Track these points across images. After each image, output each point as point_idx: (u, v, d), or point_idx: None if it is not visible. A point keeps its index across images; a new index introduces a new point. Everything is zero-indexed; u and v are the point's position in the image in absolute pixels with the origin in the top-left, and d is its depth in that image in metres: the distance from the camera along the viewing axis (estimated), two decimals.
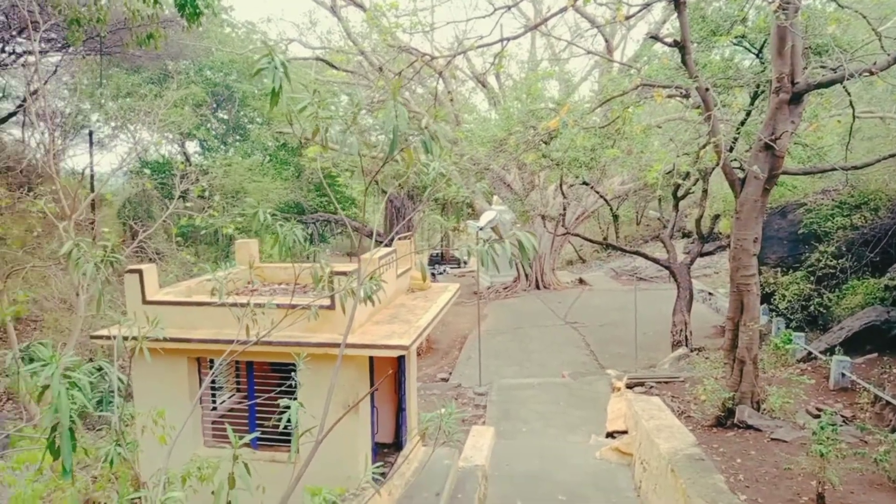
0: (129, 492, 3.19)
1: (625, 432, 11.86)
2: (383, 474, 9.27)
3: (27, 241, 15.97)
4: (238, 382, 9.69)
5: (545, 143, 15.64)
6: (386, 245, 31.94)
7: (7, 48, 18.37)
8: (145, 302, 8.05)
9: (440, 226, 36.71)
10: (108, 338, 7.76)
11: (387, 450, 9.85)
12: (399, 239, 10.57)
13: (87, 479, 6.58)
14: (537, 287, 27.22)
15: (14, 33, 17.41)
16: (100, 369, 3.97)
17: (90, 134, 22.34)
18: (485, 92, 27.14)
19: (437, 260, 36.10)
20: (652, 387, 13.12)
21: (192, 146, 29.90)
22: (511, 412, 13.55)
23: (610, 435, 12.22)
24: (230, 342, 5.11)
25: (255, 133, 27.98)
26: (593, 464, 10.90)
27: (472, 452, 10.78)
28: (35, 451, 5.95)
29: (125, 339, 7.06)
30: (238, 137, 30.43)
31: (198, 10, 9.37)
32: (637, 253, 19.60)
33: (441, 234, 39.40)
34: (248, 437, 3.84)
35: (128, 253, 13.73)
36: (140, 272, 7.97)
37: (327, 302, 7.95)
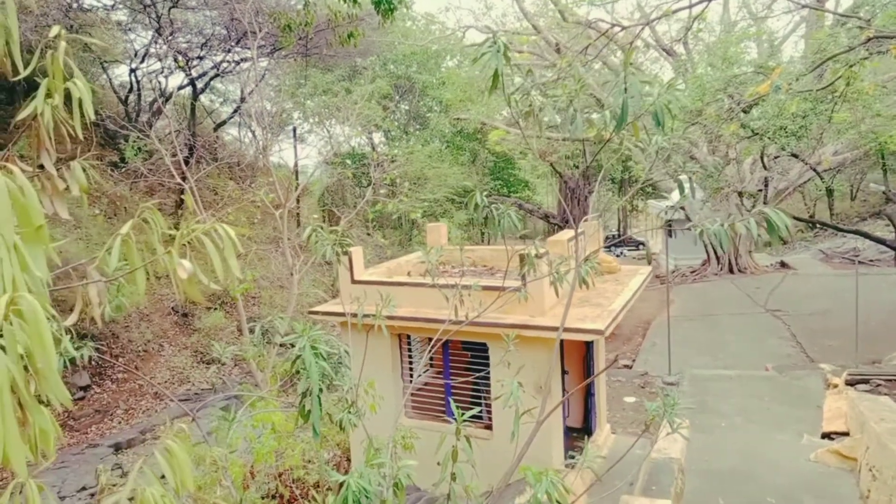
0: (372, 454, 3.44)
1: (845, 434, 10.52)
2: (573, 458, 9.18)
3: (249, 227, 18.24)
4: (431, 359, 10.16)
5: (744, 111, 14.24)
6: (559, 227, 31.42)
7: (228, 57, 20.92)
8: (354, 281, 8.73)
9: (617, 207, 35.32)
10: (325, 314, 8.54)
11: (575, 434, 9.74)
12: (585, 220, 10.29)
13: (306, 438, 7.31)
14: (730, 271, 25.06)
15: (233, 43, 19.76)
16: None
17: (294, 130, 24.75)
18: (671, 61, 25.40)
19: (616, 242, 34.85)
20: (879, 384, 11.47)
21: (376, 137, 31.87)
22: (706, 405, 12.66)
23: (827, 436, 10.91)
24: (441, 321, 5.31)
25: (434, 121, 29.03)
26: (807, 467, 9.81)
27: (665, 444, 10.25)
28: (269, 413, 6.74)
29: (339, 315, 7.64)
30: (418, 126, 31.81)
31: (392, 6, 9.83)
32: (856, 232, 17.16)
33: (618, 215, 37.89)
34: (469, 413, 3.94)
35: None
36: (349, 254, 8.64)
37: (519, 283, 7.99)
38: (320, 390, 3.67)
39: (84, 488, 11.64)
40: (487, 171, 30.96)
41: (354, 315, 5.57)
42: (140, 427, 14.22)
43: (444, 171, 27.07)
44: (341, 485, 3.61)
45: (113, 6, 18.90)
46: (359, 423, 4.52)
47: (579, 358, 9.92)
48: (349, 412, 4.39)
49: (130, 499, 1.63)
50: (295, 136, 24.82)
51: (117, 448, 13.33)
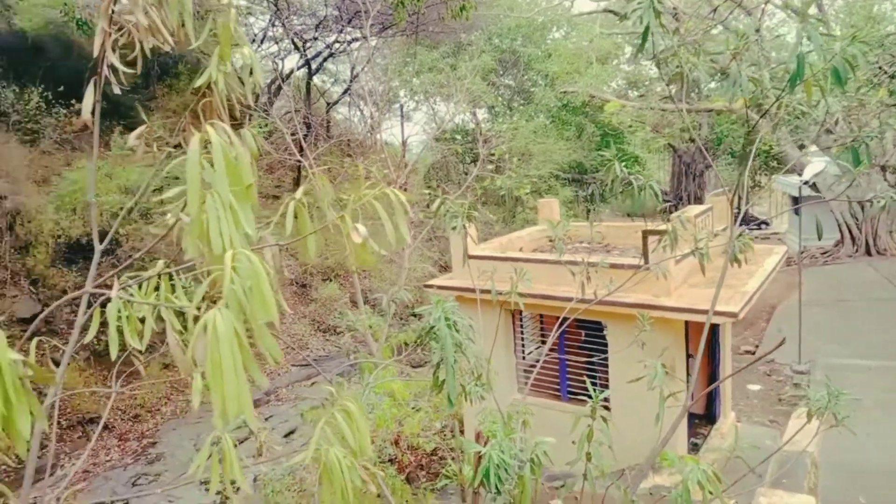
0: (506, 430, 3.41)
1: None
2: (696, 445, 8.77)
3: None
4: (542, 335, 10.03)
5: (892, 77, 12.75)
6: (673, 204, 29.90)
7: (339, 37, 21.48)
8: (469, 256, 8.74)
9: (737, 184, 33.05)
10: (440, 287, 8.63)
11: (697, 421, 9.29)
12: (713, 195, 9.68)
13: (428, 407, 7.46)
14: (867, 253, 22.80)
15: (345, 23, 20.24)
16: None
17: (401, 108, 25.11)
18: (802, 25, 23.16)
19: (736, 221, 32.63)
20: None
21: (480, 113, 31.68)
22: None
23: None
24: (568, 299, 5.18)
25: (540, 95, 28.40)
26: None
27: (797, 436, 9.57)
28: (389, 381, 6.92)
29: (455, 289, 7.64)
30: (522, 101, 31.25)
31: None
32: None
33: (737, 191, 35.44)
34: (603, 395, 3.81)
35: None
36: (464, 229, 8.65)
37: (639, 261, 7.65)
38: (454, 361, 3.67)
39: (217, 443, 12.63)
40: (594, 145, 29.94)
41: (481, 291, 5.54)
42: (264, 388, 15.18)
43: (549, 147, 26.48)
44: (479, 456, 3.60)
45: None
46: (487, 395, 4.50)
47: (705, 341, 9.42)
48: (476, 384, 4.38)
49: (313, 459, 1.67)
50: (402, 113, 25.21)
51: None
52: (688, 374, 8.25)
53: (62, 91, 15.88)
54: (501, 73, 29.56)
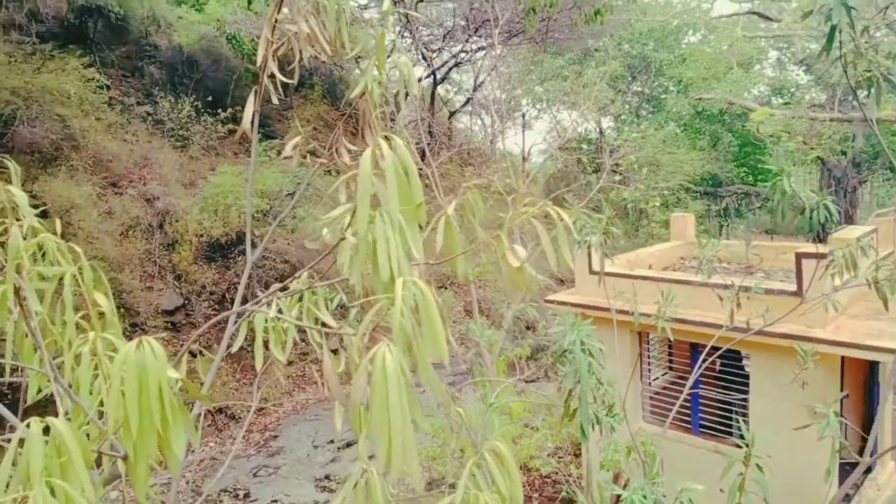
0: (653, 474, 3.10)
1: None
2: (847, 497, 7.79)
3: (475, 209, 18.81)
4: (671, 360, 9.39)
5: None
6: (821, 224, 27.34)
7: (465, 47, 21.70)
8: (591, 272, 8.35)
9: None
10: (561, 303, 8.31)
11: (849, 468, 8.24)
12: (877, 216, 8.60)
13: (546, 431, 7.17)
14: None
15: (471, 32, 20.39)
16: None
17: (522, 116, 24.91)
18: None
19: None
20: None
21: (605, 121, 30.72)
22: None
23: None
24: (717, 326, 4.72)
25: (671, 102, 27.03)
26: None
27: None
28: (510, 400, 6.72)
29: (580, 306, 7.28)
30: (651, 109, 29.93)
31: None
32: None
33: None
34: (748, 438, 3.39)
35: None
36: (588, 243, 8.27)
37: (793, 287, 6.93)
38: (594, 398, 3.41)
39: (332, 441, 13.09)
40: (731, 156, 28.00)
41: (608, 309, 5.22)
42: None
43: (680, 157, 25.07)
44: (618, 498, 3.30)
45: (366, 6, 20.72)
46: (618, 426, 4.18)
47: (859, 379, 8.37)
48: (609, 414, 4.07)
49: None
50: (524, 122, 24.99)
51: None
52: (842, 416, 7.33)
53: (210, 101, 17.27)
54: (630, 79, 28.49)
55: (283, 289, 2.11)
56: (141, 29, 17.61)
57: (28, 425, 1.20)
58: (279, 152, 17.45)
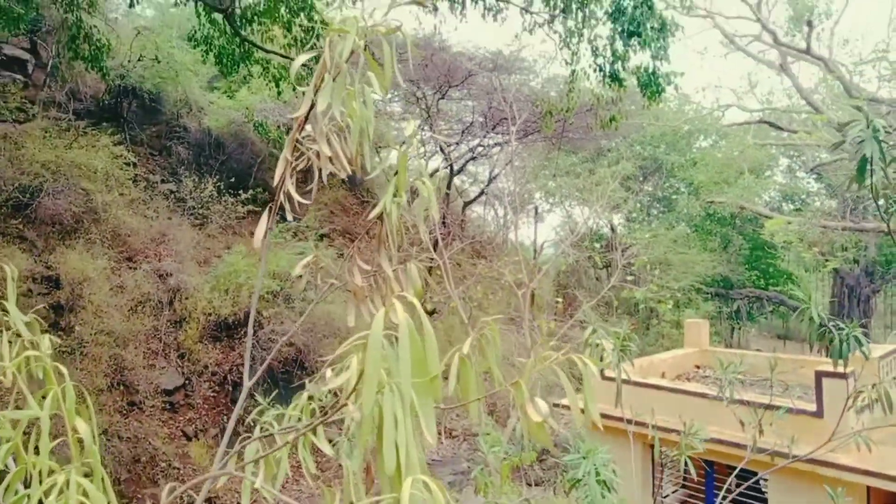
0: None
1: None
2: None
3: (484, 302, 18.74)
4: (685, 476, 8.93)
5: None
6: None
7: (483, 142, 22.37)
8: (604, 377, 8.11)
9: None
10: (567, 406, 8.02)
11: None
12: None
13: None
14: None
15: (489, 129, 21.08)
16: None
17: (535, 209, 25.27)
18: None
19: None
20: None
21: (616, 219, 31.09)
22: None
23: None
24: (737, 445, 4.47)
25: (683, 203, 27.42)
26: None
27: None
28: None
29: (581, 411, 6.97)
30: (662, 209, 30.34)
31: (660, 88, 9.41)
32: None
33: None
34: None
35: (571, 324, 14.68)
36: (601, 346, 8.09)
37: (813, 407, 6.67)
38: None
39: None
40: (742, 259, 28.02)
41: (630, 422, 5.00)
42: None
43: (691, 258, 25.13)
44: None
45: (390, 99, 21.58)
46: None
47: None
48: None
49: None
50: (536, 216, 25.34)
51: None
52: None
53: (232, 181, 17.70)
54: (642, 179, 29.08)
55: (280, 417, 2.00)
56: (173, 111, 18.37)
57: None
58: (294, 234, 17.70)
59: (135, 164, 15.91)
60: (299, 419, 2.18)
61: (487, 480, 9.07)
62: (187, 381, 14.01)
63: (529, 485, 13.23)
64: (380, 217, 2.01)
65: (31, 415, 1.59)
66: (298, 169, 2.17)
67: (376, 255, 2.33)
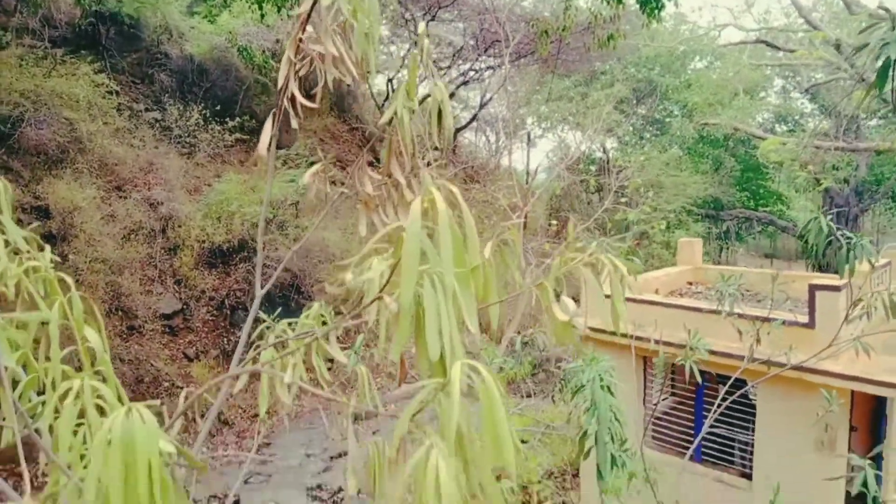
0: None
1: None
2: None
3: (479, 226, 18.77)
4: (673, 385, 9.29)
5: None
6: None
7: (474, 66, 21.77)
8: (607, 295, 8.28)
9: None
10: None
11: (855, 499, 8.12)
12: (889, 248, 8.55)
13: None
14: None
15: (481, 52, 20.47)
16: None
17: (528, 135, 24.94)
18: None
19: None
20: None
21: (609, 142, 30.81)
22: None
23: None
24: (732, 356, 4.63)
25: (676, 126, 27.13)
26: None
27: None
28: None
29: (592, 329, 7.16)
30: (655, 132, 30.02)
31: (660, 5, 9.12)
32: None
33: None
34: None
35: (565, 245, 14.76)
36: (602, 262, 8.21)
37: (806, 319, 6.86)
38: (611, 436, 3.32)
39: (325, 449, 12.95)
40: (733, 181, 28.04)
41: (628, 336, 5.14)
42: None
43: (683, 180, 25.10)
44: None
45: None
46: (630, 462, 4.07)
47: (866, 412, 8.26)
48: (621, 448, 3.96)
49: None
50: (529, 141, 25.04)
51: (356, 418, 14.61)
52: (850, 450, 7.21)
53: (218, 109, 17.28)
54: (635, 102, 28.62)
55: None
56: (153, 37, 17.64)
57: None
58: (285, 162, 17.43)
59: (117, 93, 15.44)
60: (312, 328, 2.23)
61: None
62: (185, 306, 14.18)
63: (523, 397, 13.75)
64: (389, 123, 1.98)
65: (41, 317, 1.59)
66: (300, 74, 2.10)
67: (384, 168, 2.30)
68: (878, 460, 8.11)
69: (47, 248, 2.03)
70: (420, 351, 1.05)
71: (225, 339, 14.41)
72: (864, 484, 8.81)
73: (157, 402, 1.28)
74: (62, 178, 13.18)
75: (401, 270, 1.03)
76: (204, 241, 14.79)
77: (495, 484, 1.03)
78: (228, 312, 14.76)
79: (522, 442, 9.62)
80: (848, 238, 3.26)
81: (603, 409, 3.11)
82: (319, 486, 11.64)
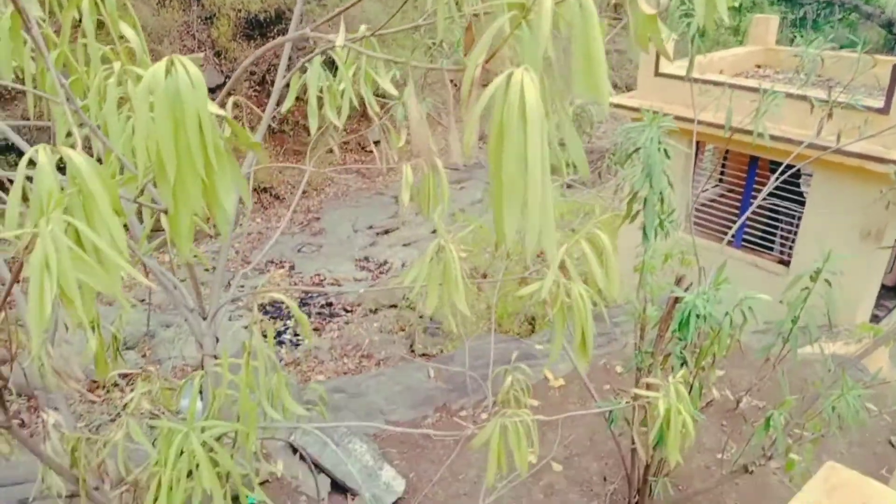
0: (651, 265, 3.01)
1: None
2: (876, 318, 7.90)
3: None
4: (722, 173, 9.06)
5: None
6: None
7: None
8: (657, 74, 7.71)
9: None
10: (618, 105, 7.80)
11: (885, 292, 8.26)
12: None
13: None
14: None
15: None
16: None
17: None
18: None
19: None
20: None
21: None
22: None
23: None
24: (793, 142, 4.33)
25: None
26: None
27: None
28: None
29: (631, 108, 6.80)
30: None
31: None
32: None
33: None
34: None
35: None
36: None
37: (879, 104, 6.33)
38: (661, 198, 3.22)
39: (371, 227, 13.59)
40: None
41: (691, 121, 4.83)
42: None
43: None
44: (676, 300, 3.27)
45: None
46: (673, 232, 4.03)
47: None
48: (668, 219, 3.90)
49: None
50: None
51: (396, 198, 15.04)
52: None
53: None
54: None
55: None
56: None
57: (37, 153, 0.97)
58: None
59: None
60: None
61: None
62: (227, 80, 13.97)
63: (562, 186, 13.82)
64: None
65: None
66: None
67: None
68: None
69: None
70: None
71: (271, 119, 14.39)
72: None
73: (200, 55, 1.17)
74: None
75: None
76: (240, 10, 14.04)
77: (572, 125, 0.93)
78: (269, 89, 14.50)
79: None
80: (801, 18, 2.75)
81: (657, 172, 2.97)
82: (366, 258, 12.39)
